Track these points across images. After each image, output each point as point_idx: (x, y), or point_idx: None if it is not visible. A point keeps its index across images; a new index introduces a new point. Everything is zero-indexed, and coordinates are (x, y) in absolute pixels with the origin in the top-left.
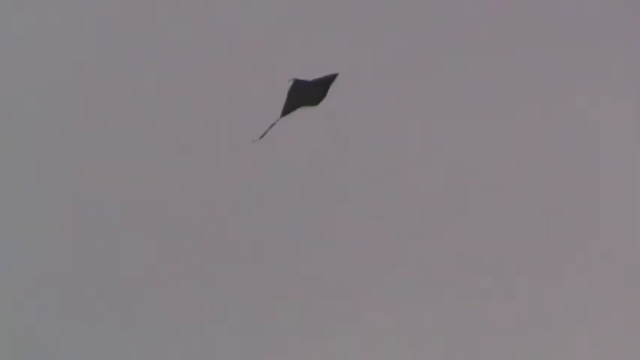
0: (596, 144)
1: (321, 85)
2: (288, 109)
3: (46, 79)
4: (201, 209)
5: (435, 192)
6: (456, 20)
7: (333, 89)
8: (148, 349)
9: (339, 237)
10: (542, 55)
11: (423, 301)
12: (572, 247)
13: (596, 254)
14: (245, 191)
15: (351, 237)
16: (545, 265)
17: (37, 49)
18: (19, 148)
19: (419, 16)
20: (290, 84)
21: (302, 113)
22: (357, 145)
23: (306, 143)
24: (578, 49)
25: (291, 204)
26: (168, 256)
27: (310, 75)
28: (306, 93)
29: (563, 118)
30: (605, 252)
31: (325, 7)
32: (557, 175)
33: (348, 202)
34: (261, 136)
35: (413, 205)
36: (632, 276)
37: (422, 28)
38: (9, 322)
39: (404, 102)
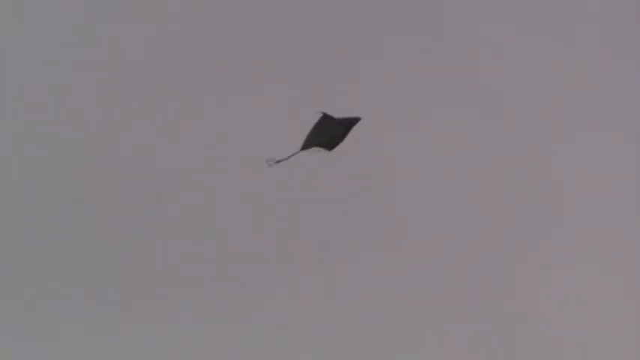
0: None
1: (343, 126)
2: (308, 145)
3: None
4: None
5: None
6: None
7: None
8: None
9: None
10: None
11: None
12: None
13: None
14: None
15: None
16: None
17: (36, 48)
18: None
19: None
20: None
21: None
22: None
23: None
24: None
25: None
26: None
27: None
28: (328, 133)
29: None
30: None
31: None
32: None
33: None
34: (278, 162)
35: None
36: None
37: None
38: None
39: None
